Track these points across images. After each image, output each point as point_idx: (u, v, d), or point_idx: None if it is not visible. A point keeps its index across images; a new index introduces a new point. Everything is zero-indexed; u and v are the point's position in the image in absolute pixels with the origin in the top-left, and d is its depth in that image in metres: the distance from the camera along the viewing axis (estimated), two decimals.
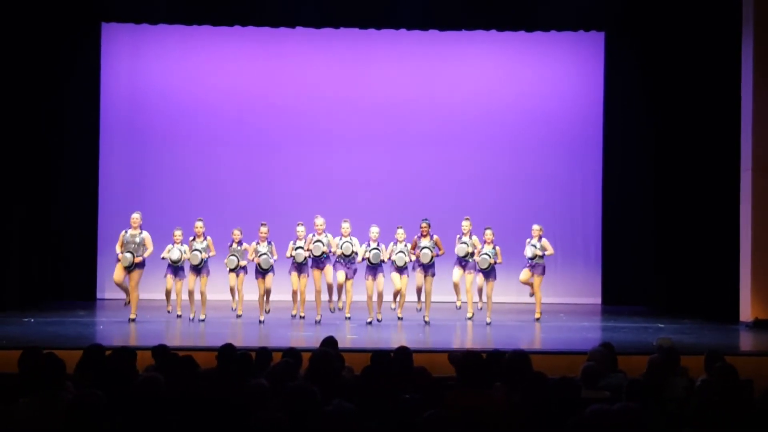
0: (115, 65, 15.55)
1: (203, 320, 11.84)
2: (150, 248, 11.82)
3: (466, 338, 11.18)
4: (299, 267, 11.95)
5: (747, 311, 12.36)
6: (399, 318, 12.05)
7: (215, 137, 15.72)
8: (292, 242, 11.99)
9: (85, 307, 13.70)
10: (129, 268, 11.67)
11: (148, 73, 15.70)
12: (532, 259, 12.28)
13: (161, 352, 6.54)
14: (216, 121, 15.74)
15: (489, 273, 12.03)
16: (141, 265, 11.75)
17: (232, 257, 11.91)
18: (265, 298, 11.95)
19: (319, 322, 11.71)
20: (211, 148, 15.70)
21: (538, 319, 12.39)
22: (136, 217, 11.84)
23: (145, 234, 11.80)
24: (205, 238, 11.98)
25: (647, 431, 4.38)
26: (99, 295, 15.17)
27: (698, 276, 13.64)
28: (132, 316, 11.66)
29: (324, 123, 15.76)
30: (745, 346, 10.79)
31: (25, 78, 13.73)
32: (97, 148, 15.38)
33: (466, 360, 5.30)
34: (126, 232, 11.80)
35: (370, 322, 11.74)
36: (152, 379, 5.07)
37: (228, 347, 6.52)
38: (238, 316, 11.99)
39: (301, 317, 12.01)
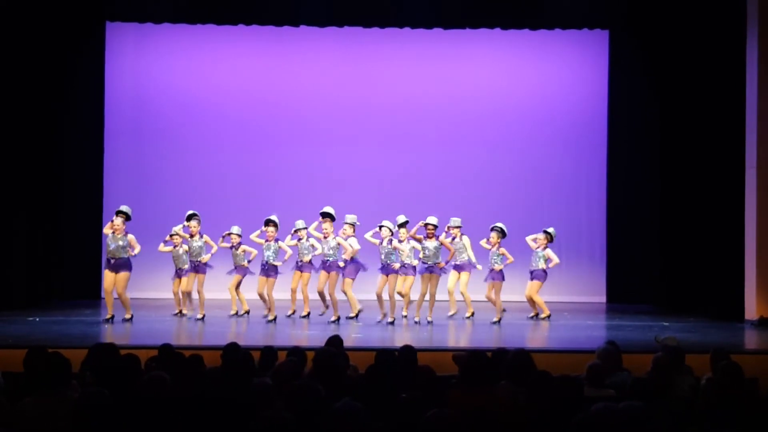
0: (119, 64, 15.56)
1: (200, 319, 11.79)
2: (137, 247, 11.73)
3: (471, 337, 11.17)
4: (301, 266, 12.01)
5: (752, 309, 12.34)
6: (404, 316, 12.03)
7: (219, 136, 15.73)
8: (290, 235, 12.09)
9: (90, 306, 13.72)
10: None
11: (153, 72, 15.71)
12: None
13: (166, 351, 6.55)
14: (220, 119, 15.75)
15: (496, 275, 12.10)
16: (127, 267, 11.65)
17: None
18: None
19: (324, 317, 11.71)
20: (216, 147, 15.71)
21: (533, 317, 12.46)
22: (118, 222, 11.68)
23: (130, 236, 11.69)
24: (201, 237, 11.97)
25: (652, 430, 4.37)
26: (103, 295, 15.16)
27: (703, 274, 13.61)
28: (127, 316, 11.56)
29: (327, 122, 15.75)
30: (751, 344, 10.77)
31: (30, 77, 13.73)
32: (102, 147, 15.40)
33: (471, 359, 5.30)
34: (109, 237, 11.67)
35: (391, 322, 11.70)
36: (158, 378, 5.08)
37: (232, 346, 6.53)
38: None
39: (289, 314, 12.03)
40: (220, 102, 15.73)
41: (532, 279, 12.49)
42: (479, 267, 12.33)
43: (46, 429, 4.81)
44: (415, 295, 12.04)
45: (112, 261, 11.63)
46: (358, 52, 15.83)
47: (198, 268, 11.98)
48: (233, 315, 12.22)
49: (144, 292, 14.49)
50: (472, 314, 12.28)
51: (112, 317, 11.57)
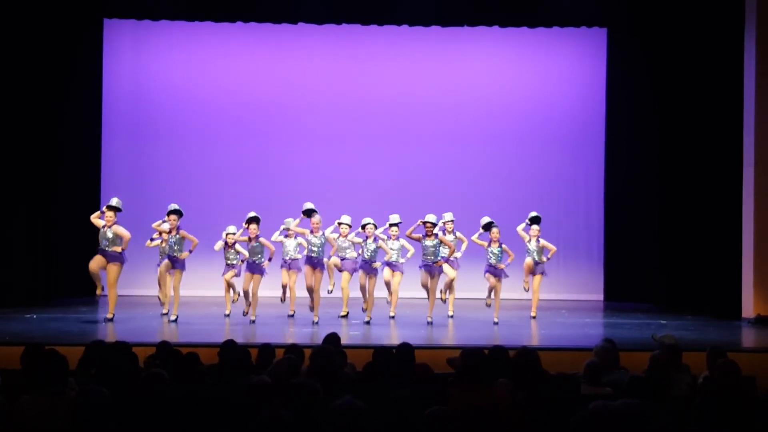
0: (117, 61, 15.55)
1: (175, 320, 11.53)
2: (126, 235, 11.38)
3: (468, 335, 11.17)
4: (289, 263, 11.92)
5: (749, 307, 12.36)
6: (392, 316, 11.91)
7: (217, 133, 15.73)
8: (278, 232, 12.01)
9: (87, 304, 13.71)
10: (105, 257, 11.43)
11: (150, 70, 15.70)
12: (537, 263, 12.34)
13: (164, 348, 6.55)
14: (218, 117, 15.74)
15: (500, 272, 12.04)
16: (119, 260, 11.44)
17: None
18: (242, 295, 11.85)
19: (317, 323, 11.59)
20: (213, 144, 15.71)
21: (533, 317, 12.40)
22: (110, 215, 11.60)
23: (115, 227, 11.40)
24: (177, 232, 11.61)
25: (649, 428, 4.38)
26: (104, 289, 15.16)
27: (700, 272, 13.63)
28: (109, 316, 11.29)
29: (325, 119, 15.75)
30: (748, 342, 10.78)
31: (28, 75, 13.72)
32: (99, 144, 15.39)
33: (469, 357, 5.30)
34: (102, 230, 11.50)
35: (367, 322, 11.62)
36: (156, 375, 5.08)
37: (230, 343, 6.52)
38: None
39: (290, 314, 11.97)
40: (218, 99, 15.72)
41: (542, 274, 12.46)
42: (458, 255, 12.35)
43: (44, 426, 4.81)
44: (412, 293, 12.01)
45: (107, 252, 11.49)
46: (357, 50, 15.83)
47: (175, 263, 11.72)
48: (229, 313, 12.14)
49: (140, 290, 14.48)
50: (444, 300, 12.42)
51: (113, 316, 11.50)
